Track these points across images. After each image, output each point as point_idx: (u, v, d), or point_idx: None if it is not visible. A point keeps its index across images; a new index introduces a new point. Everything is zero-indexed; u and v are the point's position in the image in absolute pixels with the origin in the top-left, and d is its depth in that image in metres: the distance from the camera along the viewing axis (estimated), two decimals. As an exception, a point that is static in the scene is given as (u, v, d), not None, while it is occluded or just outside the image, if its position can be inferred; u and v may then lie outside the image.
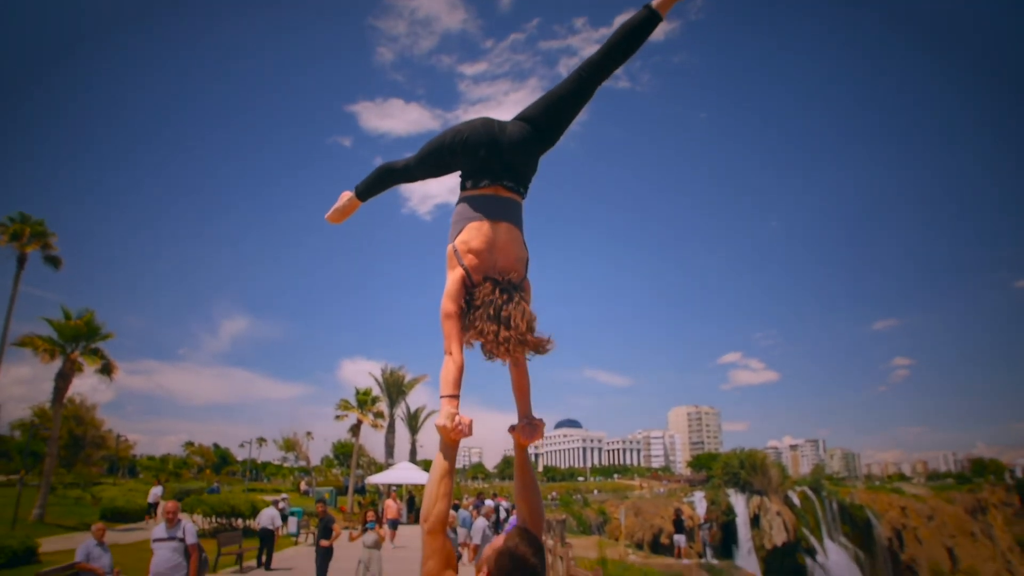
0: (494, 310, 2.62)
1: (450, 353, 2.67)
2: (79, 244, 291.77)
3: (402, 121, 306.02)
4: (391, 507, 28.41)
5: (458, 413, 2.53)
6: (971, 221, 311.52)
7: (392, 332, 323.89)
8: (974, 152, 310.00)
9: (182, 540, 9.09)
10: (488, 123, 2.99)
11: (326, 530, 14.57)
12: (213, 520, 27.11)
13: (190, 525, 9.30)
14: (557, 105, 3.01)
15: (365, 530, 13.51)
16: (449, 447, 2.52)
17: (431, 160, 3.16)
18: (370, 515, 14.33)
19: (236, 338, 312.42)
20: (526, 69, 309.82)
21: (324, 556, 14.23)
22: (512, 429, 2.89)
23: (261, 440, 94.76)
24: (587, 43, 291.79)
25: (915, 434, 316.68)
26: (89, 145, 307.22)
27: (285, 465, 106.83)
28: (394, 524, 27.14)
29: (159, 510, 30.50)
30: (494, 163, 2.95)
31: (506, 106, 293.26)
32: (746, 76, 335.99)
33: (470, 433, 2.54)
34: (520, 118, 3.05)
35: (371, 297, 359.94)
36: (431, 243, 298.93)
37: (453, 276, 2.79)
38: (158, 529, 9.30)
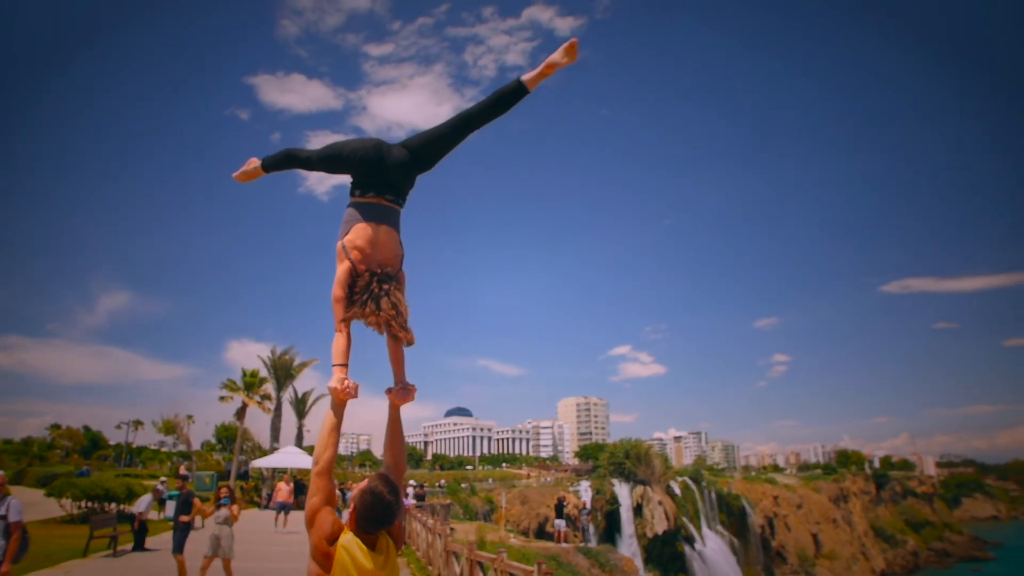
0: (371, 296, 3.34)
1: (339, 330, 3.35)
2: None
3: (304, 97, 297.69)
4: (282, 490, 27.79)
5: (346, 378, 3.20)
6: (844, 228, 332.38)
7: (283, 314, 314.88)
8: (848, 161, 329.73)
9: (3, 518, 8.00)
10: (379, 146, 3.69)
11: (186, 505, 14.49)
12: (84, 505, 25.69)
13: (15, 502, 8.20)
14: (435, 143, 3.75)
15: (219, 506, 13.22)
16: (338, 406, 3.16)
17: (329, 162, 3.82)
18: (223, 491, 14.07)
19: (115, 314, 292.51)
20: (432, 54, 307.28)
21: (182, 531, 14.12)
22: (388, 391, 3.50)
23: (138, 423, 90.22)
24: (494, 32, 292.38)
25: (790, 427, 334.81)
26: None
27: (163, 450, 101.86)
28: (286, 507, 26.48)
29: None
30: (379, 180, 3.64)
31: (411, 89, 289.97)
32: (646, 77, 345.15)
33: (356, 395, 3.19)
34: (405, 145, 3.75)
35: (263, 277, 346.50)
36: (326, 224, 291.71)
37: (341, 268, 3.45)
38: None
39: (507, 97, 3.61)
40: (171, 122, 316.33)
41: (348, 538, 2.79)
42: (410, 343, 3.53)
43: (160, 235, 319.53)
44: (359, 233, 3.51)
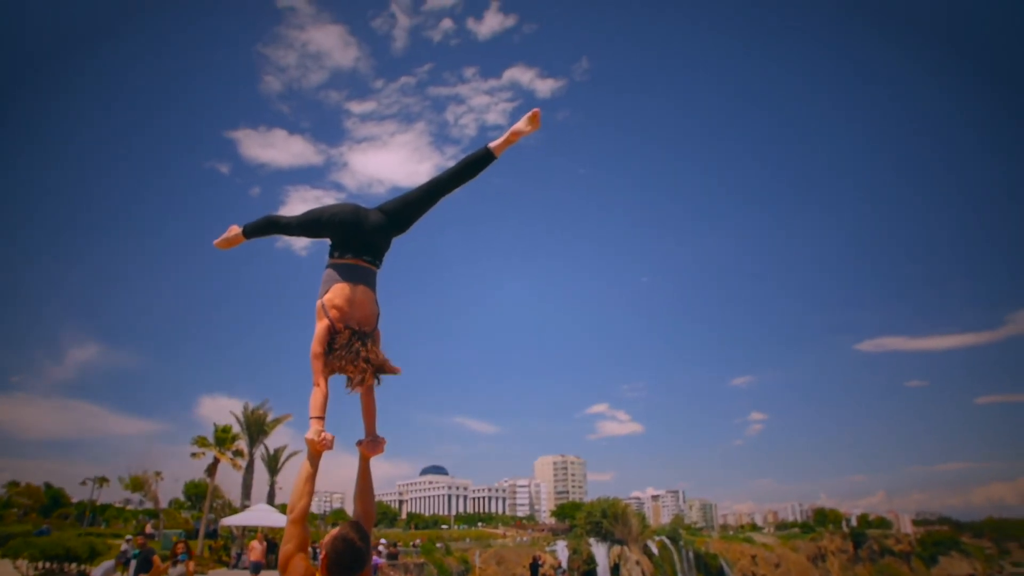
0: (349, 352, 3.48)
1: (317, 385, 3.48)
2: None
3: (285, 153, 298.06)
4: (256, 549, 27.09)
5: (323, 430, 3.35)
6: (819, 288, 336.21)
7: (257, 369, 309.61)
8: (822, 224, 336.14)
9: None
10: (356, 210, 3.92)
11: (145, 562, 14.34)
12: (42, 566, 24.75)
13: None
14: (410, 207, 4.00)
15: (176, 562, 12.97)
16: (314, 457, 3.32)
17: (308, 226, 4.04)
18: (179, 547, 13.88)
19: (84, 367, 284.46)
20: (414, 112, 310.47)
21: None
22: (359, 443, 3.68)
23: (103, 480, 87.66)
24: (476, 92, 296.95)
25: (767, 485, 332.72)
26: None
27: (129, 507, 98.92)
28: (257, 568, 25.81)
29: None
30: (357, 242, 3.84)
31: (392, 147, 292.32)
32: (623, 138, 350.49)
33: (332, 447, 3.36)
34: (381, 209, 3.98)
35: (237, 331, 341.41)
36: (304, 279, 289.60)
37: (320, 325, 3.60)
38: None
39: (475, 163, 3.89)
40: (149, 173, 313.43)
41: None
42: (396, 372, 3.62)
43: (133, 287, 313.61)
44: (338, 292, 3.66)
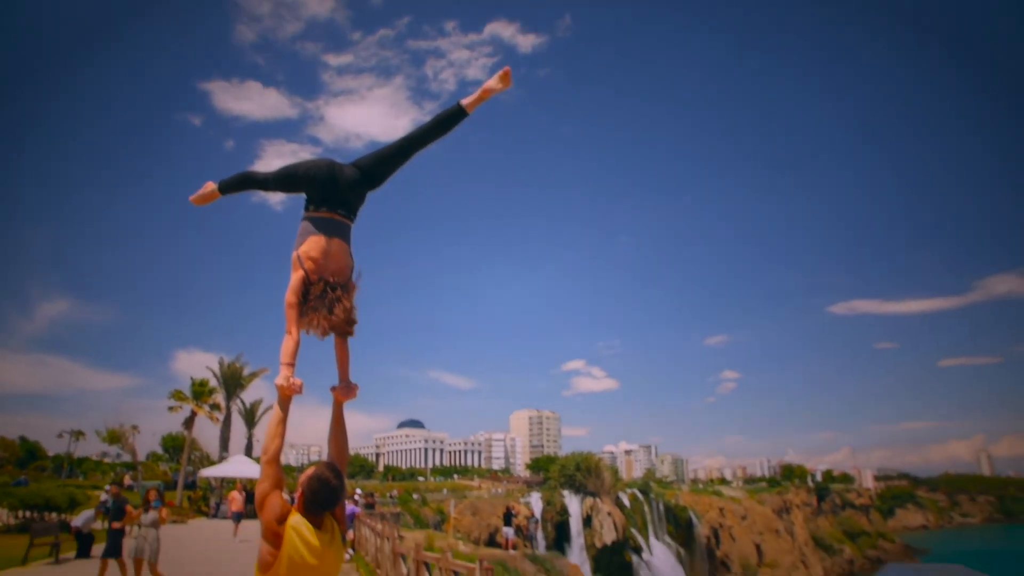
0: (323, 302, 3.59)
1: (290, 333, 3.57)
2: None
3: (259, 105, 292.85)
4: (236, 499, 27.42)
5: (292, 376, 3.44)
6: (793, 252, 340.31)
7: (234, 324, 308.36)
8: (792, 187, 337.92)
9: None
10: (331, 166, 3.97)
11: (118, 511, 14.32)
12: (23, 515, 25.05)
13: None
14: (383, 163, 4.06)
15: (149, 509, 13.11)
16: (284, 401, 3.42)
17: (284, 181, 4.10)
18: (151, 494, 13.84)
19: (55, 322, 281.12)
20: (393, 66, 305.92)
21: (114, 537, 13.94)
22: (333, 389, 3.77)
23: (79, 433, 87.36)
24: (456, 47, 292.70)
25: (737, 442, 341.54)
26: None
27: (106, 461, 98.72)
28: (238, 517, 26.09)
29: None
30: (332, 196, 3.90)
31: (369, 101, 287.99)
32: (605, 96, 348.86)
33: (301, 392, 3.45)
34: (355, 164, 4.04)
35: (213, 285, 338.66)
36: (279, 234, 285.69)
37: (296, 276, 3.67)
38: None
39: (448, 120, 3.98)
40: (119, 124, 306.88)
41: (297, 519, 3.09)
42: (352, 329, 3.80)
43: (105, 242, 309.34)
44: (313, 245, 3.74)
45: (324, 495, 3.16)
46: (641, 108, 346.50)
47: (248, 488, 30.74)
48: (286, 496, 3.31)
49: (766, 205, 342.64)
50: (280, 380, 3.42)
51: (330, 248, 3.78)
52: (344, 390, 3.77)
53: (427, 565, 12.31)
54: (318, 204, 3.90)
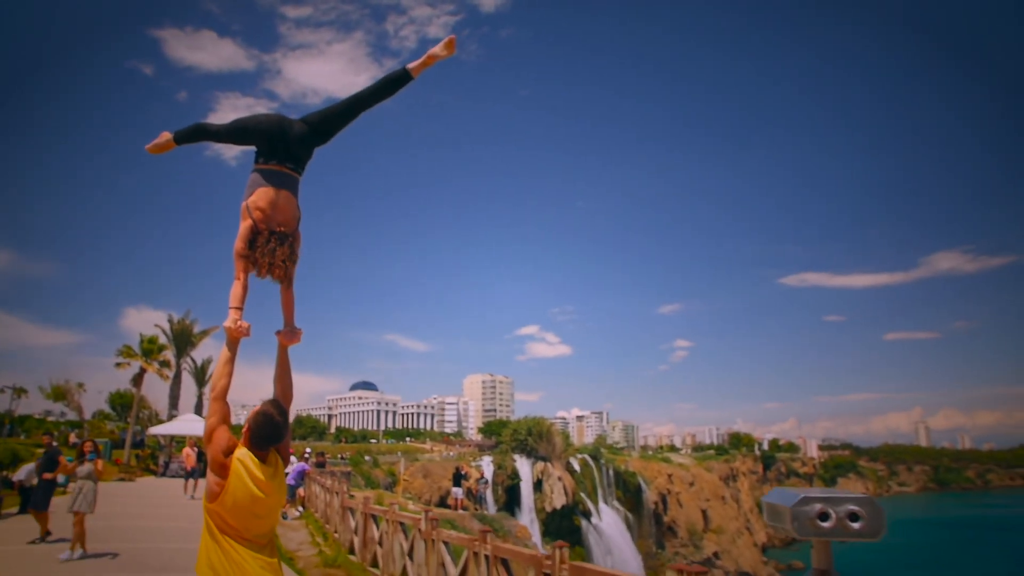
0: (268, 250, 3.76)
1: (238, 279, 3.78)
2: None
3: (214, 56, 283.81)
4: (190, 456, 27.25)
5: (240, 319, 3.66)
6: (747, 222, 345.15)
7: (185, 281, 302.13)
8: (749, 160, 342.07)
9: None
10: (281, 120, 4.14)
11: (51, 462, 14.15)
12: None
13: None
14: (331, 120, 4.22)
15: (83, 461, 12.89)
16: (232, 343, 3.64)
17: (236, 134, 4.22)
18: (87, 446, 13.61)
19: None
20: (352, 21, 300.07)
21: (46, 488, 13.80)
22: (278, 332, 3.97)
23: (20, 390, 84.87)
24: (417, 3, 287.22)
25: (688, 410, 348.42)
26: None
27: (50, 419, 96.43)
28: (193, 473, 26.04)
29: None
30: (281, 150, 4.04)
31: (328, 56, 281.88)
32: (567, 59, 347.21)
33: (248, 334, 3.68)
34: (304, 120, 4.19)
35: (164, 241, 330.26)
36: (231, 189, 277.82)
37: (244, 225, 3.83)
38: None
39: (394, 82, 4.18)
40: (64, 69, 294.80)
41: (242, 452, 3.34)
42: (286, 279, 3.99)
43: (50, 193, 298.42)
44: (261, 195, 3.90)
45: (268, 430, 3.39)
46: (602, 74, 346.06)
47: (200, 446, 30.44)
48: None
49: (721, 177, 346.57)
50: (228, 323, 3.63)
51: (278, 199, 3.93)
52: (288, 334, 3.97)
53: (375, 518, 12.39)
54: (267, 157, 4.05)
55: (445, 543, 9.46)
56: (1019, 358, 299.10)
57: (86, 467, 12.70)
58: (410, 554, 10.54)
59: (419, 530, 10.15)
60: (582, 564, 6.32)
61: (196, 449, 28.19)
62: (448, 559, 9.24)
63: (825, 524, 2.22)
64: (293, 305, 4.09)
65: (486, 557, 7.94)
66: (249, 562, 3.27)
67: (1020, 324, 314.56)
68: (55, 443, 15.59)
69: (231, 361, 3.60)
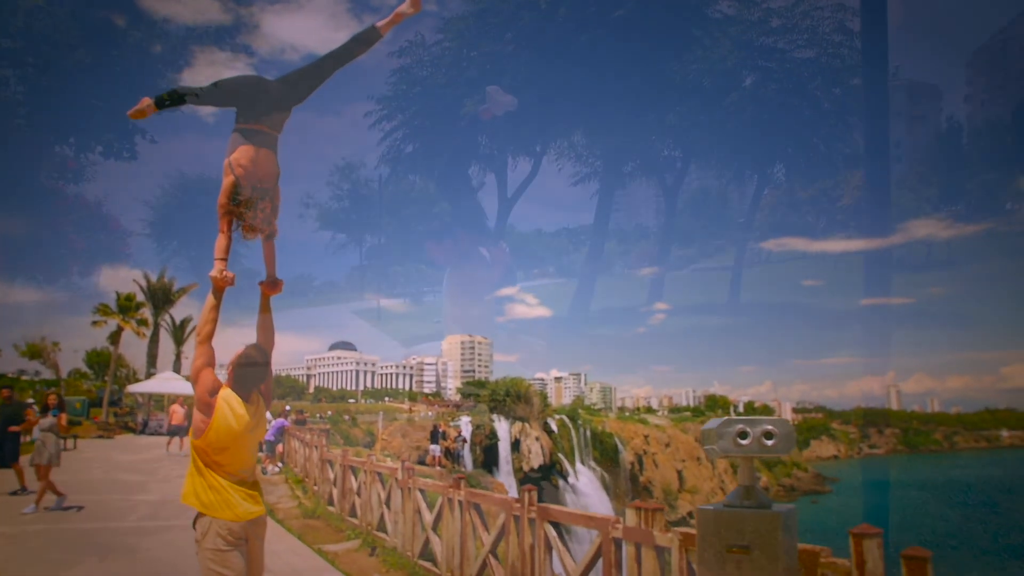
0: (249, 205, 3.99)
1: (223, 232, 4.01)
2: None
3: (189, 8, 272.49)
4: (177, 412, 26.82)
5: (225, 269, 3.91)
6: (729, 186, 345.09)
7: (163, 238, 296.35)
8: (728, 122, 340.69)
9: None
10: (259, 81, 4.44)
11: (14, 416, 13.80)
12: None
13: None
14: (306, 79, 4.48)
15: (47, 415, 12.89)
16: (217, 292, 3.88)
17: (217, 97, 4.52)
18: (51, 399, 13.51)
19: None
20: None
21: (12, 441, 13.66)
22: (260, 283, 4.26)
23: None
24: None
25: (665, 372, 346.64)
26: None
27: (23, 378, 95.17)
28: (177, 431, 25.70)
29: None
30: (260, 109, 4.26)
31: (307, 11, 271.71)
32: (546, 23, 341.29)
33: (233, 283, 3.93)
34: (281, 80, 4.45)
35: (139, 198, 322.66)
36: (215, 142, 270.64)
37: (227, 181, 4.03)
38: None
39: (363, 40, 4.49)
40: (33, 19, 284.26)
41: (226, 392, 3.68)
42: (274, 234, 4.32)
43: (16, 146, 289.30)
44: (242, 153, 4.11)
45: (250, 371, 3.76)
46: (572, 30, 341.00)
47: (189, 404, 30.39)
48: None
49: (703, 138, 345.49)
50: (214, 272, 3.89)
51: (258, 156, 4.15)
52: (270, 285, 4.28)
53: (353, 469, 12.73)
54: (247, 116, 4.26)
55: (421, 491, 9.81)
56: (990, 324, 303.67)
57: (48, 420, 12.62)
58: (387, 502, 10.85)
59: (396, 479, 10.49)
60: (548, 505, 6.69)
61: (185, 407, 27.21)
62: (423, 505, 9.59)
63: (744, 442, 2.54)
64: (275, 257, 4.38)
65: (460, 503, 8.33)
66: (231, 491, 3.62)
67: (992, 291, 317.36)
68: (15, 397, 15.41)
69: (216, 308, 3.85)
